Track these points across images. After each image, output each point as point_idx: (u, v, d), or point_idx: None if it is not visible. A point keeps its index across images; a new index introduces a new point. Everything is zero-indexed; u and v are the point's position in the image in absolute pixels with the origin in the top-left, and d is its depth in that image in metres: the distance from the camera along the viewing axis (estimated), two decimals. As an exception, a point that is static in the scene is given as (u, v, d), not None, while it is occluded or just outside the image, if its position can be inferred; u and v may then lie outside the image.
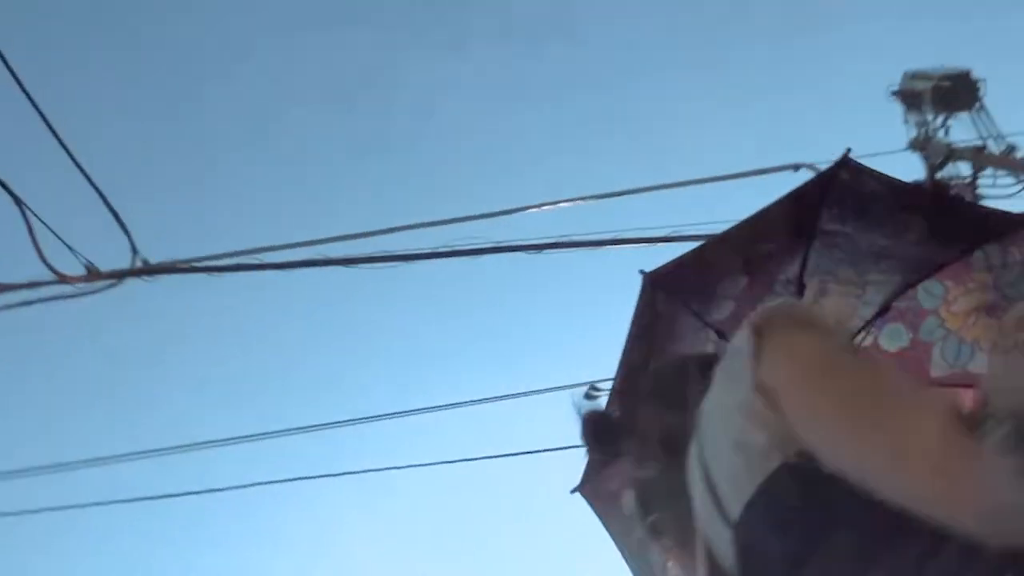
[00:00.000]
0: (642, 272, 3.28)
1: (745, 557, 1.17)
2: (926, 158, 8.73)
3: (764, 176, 7.91)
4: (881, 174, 3.21)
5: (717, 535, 1.23)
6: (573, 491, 3.54)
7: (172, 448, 7.27)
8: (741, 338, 1.20)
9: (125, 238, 5.69)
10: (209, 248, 6.09)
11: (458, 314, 13.19)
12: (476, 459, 7.20)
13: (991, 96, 8.62)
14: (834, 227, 3.33)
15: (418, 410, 7.20)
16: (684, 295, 3.41)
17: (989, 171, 8.32)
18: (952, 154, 8.52)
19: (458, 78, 13.72)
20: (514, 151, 14.19)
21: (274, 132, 13.49)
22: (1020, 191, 8.02)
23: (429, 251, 5.94)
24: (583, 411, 2.08)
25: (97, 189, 5.40)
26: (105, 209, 5.50)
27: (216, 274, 5.79)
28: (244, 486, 7.51)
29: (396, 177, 13.36)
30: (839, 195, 3.23)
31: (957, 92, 8.62)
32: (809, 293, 3.41)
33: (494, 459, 7.29)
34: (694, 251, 3.46)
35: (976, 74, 8.68)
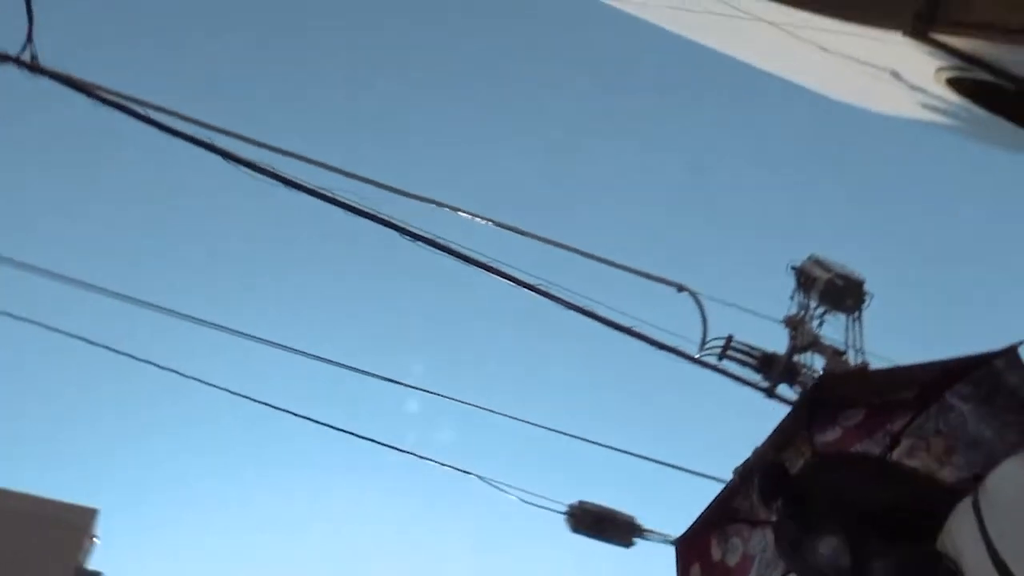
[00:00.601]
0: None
1: None
2: (792, 337, 9.05)
3: (645, 282, 8.07)
4: None
5: None
6: (673, 542, 3.58)
7: None
8: None
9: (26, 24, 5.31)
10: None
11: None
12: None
13: (871, 312, 9.01)
14: (956, 402, 3.47)
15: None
16: (825, 409, 3.49)
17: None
18: (815, 345, 8.85)
19: None
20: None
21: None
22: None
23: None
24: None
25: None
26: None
27: (101, 103, 5.43)
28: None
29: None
30: (981, 377, 3.34)
31: (845, 294, 8.97)
32: (900, 450, 3.51)
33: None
34: (868, 371, 3.55)
35: (868, 287, 9.06)
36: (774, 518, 3.68)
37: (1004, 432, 3.45)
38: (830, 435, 3.77)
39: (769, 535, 3.80)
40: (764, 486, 3.49)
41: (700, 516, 4.06)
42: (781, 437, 3.72)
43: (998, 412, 3.46)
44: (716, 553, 3.84)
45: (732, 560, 3.85)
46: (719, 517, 3.93)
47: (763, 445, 3.74)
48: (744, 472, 3.83)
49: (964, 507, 2.81)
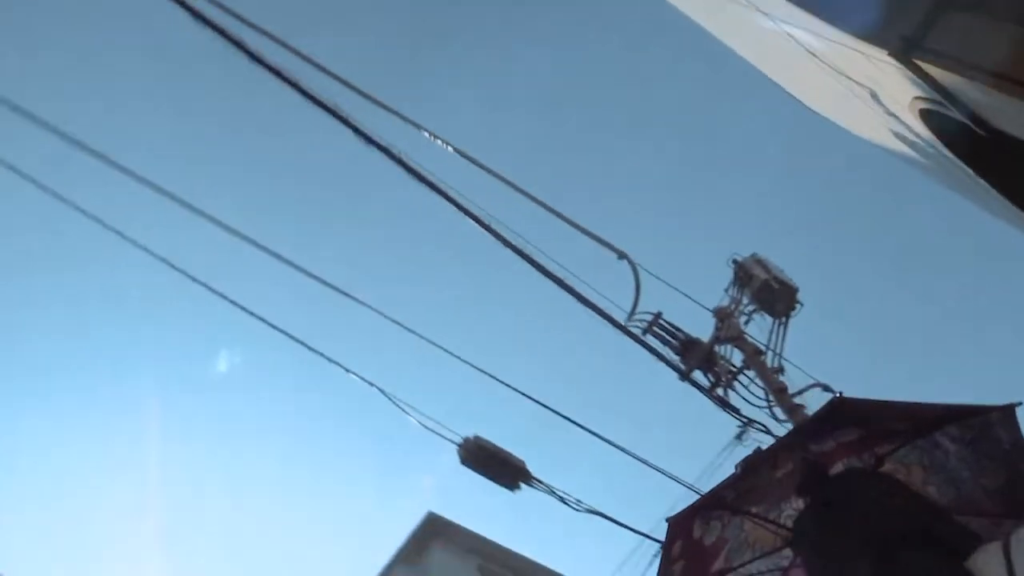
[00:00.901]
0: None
1: None
2: (717, 328, 9.21)
3: (592, 245, 8.11)
4: (1019, 434, 3.50)
5: None
6: (667, 520, 3.76)
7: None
8: None
9: None
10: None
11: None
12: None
13: (797, 322, 9.19)
14: (944, 440, 3.67)
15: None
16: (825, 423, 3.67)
17: (752, 375, 8.86)
18: (737, 339, 9.02)
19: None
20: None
21: None
22: (764, 407, 8.58)
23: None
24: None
25: None
26: None
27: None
28: None
29: None
30: (973, 424, 3.52)
31: (778, 297, 9.13)
32: (882, 471, 3.71)
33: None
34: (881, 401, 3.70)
35: (800, 296, 9.23)
36: (754, 509, 3.88)
37: (981, 476, 3.68)
38: (825, 446, 3.97)
39: (747, 523, 3.98)
40: (803, 481, 3.72)
41: (695, 501, 4.27)
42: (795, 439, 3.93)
43: (980, 458, 3.68)
44: (697, 532, 4.01)
45: (709, 540, 4.03)
46: (709, 503, 4.11)
47: (785, 443, 3.93)
48: (746, 466, 4.00)
49: (994, 548, 2.98)
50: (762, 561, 4.02)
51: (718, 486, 4.14)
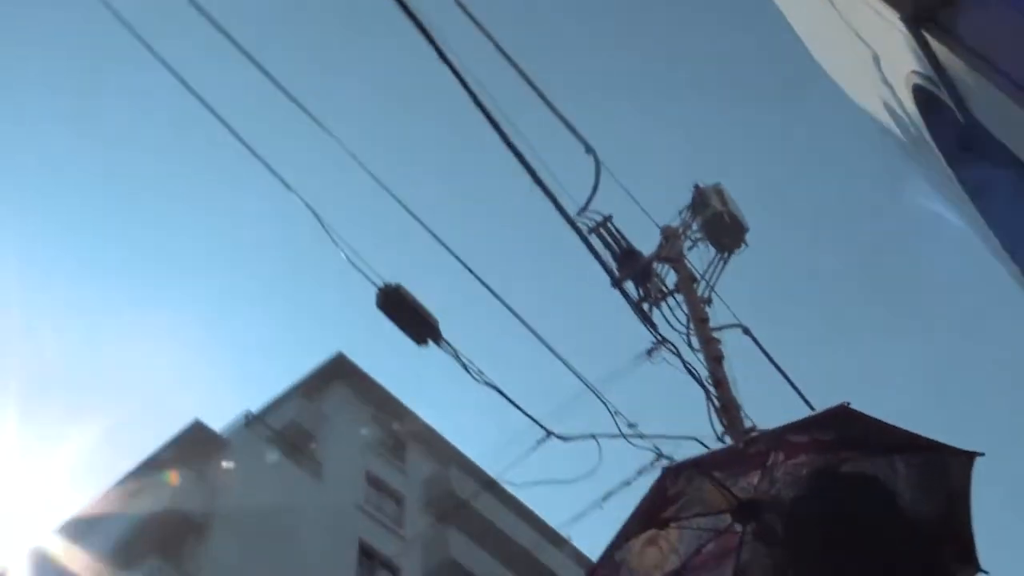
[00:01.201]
0: None
1: None
2: (660, 246, 9.29)
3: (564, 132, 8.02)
4: (968, 481, 3.58)
5: None
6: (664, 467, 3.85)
7: None
8: None
9: None
10: None
11: None
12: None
13: (739, 258, 9.31)
14: (900, 464, 3.73)
15: None
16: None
17: (680, 299, 8.99)
18: (676, 261, 9.11)
19: None
20: None
21: None
22: (683, 333, 8.73)
23: None
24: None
25: None
26: None
27: None
28: None
29: None
30: (931, 458, 3.59)
31: (727, 232, 9.21)
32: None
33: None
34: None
35: (749, 236, 9.32)
36: (717, 474, 4.03)
37: (918, 502, 3.87)
38: (800, 438, 4.12)
39: (707, 484, 4.12)
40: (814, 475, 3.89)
41: (697, 457, 4.44)
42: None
43: (924, 485, 3.85)
44: (672, 489, 4.13)
45: (673, 491, 4.15)
46: (707, 463, 4.25)
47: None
48: (750, 440, 4.16)
49: None
50: (705, 519, 4.19)
51: (719, 451, 4.35)
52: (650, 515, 4.06)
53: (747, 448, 4.10)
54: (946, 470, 3.85)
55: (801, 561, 3.76)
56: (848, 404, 3.51)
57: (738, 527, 4.09)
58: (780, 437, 3.96)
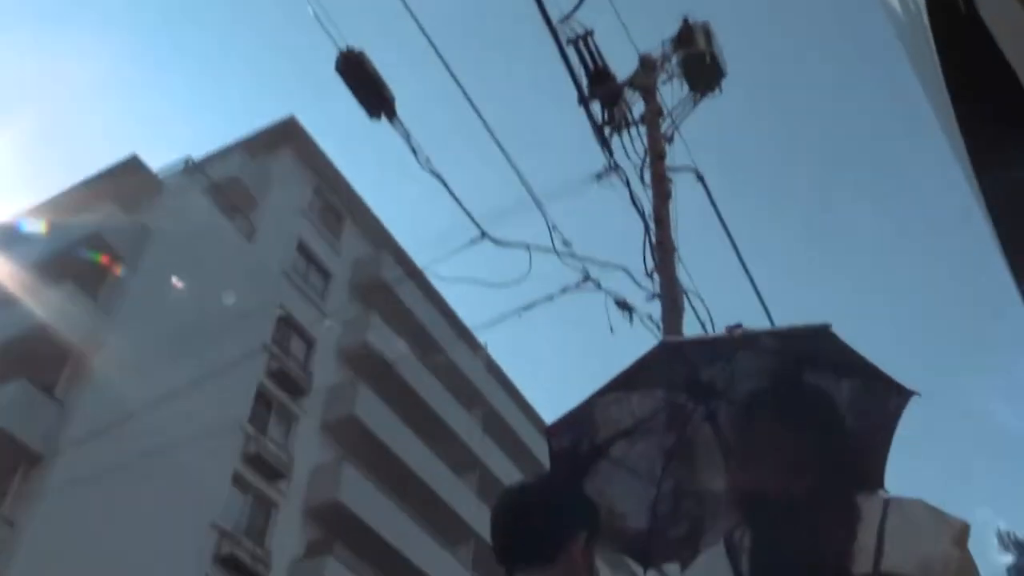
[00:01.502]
0: None
1: None
2: (636, 71, 9.03)
3: None
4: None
5: None
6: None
7: None
8: None
9: None
10: None
11: None
12: None
13: (711, 105, 9.13)
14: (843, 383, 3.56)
15: None
16: None
17: (643, 131, 8.84)
18: (648, 92, 8.89)
19: None
20: None
21: None
22: (637, 164, 8.63)
23: None
24: None
25: None
26: None
27: None
28: None
29: None
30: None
31: (705, 72, 8.99)
32: None
33: None
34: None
35: (725, 80, 9.11)
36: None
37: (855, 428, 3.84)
38: (772, 343, 4.03)
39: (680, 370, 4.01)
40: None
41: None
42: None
43: (865, 413, 3.81)
44: (654, 362, 4.01)
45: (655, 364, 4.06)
46: (689, 346, 4.15)
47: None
48: (731, 331, 3.97)
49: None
50: (665, 391, 4.13)
51: (703, 336, 4.26)
52: (628, 378, 4.06)
53: (725, 338, 4.02)
54: (885, 402, 3.87)
55: (742, 454, 3.79)
56: (830, 326, 3.48)
57: (691, 405, 4.12)
58: (756, 337, 3.92)
